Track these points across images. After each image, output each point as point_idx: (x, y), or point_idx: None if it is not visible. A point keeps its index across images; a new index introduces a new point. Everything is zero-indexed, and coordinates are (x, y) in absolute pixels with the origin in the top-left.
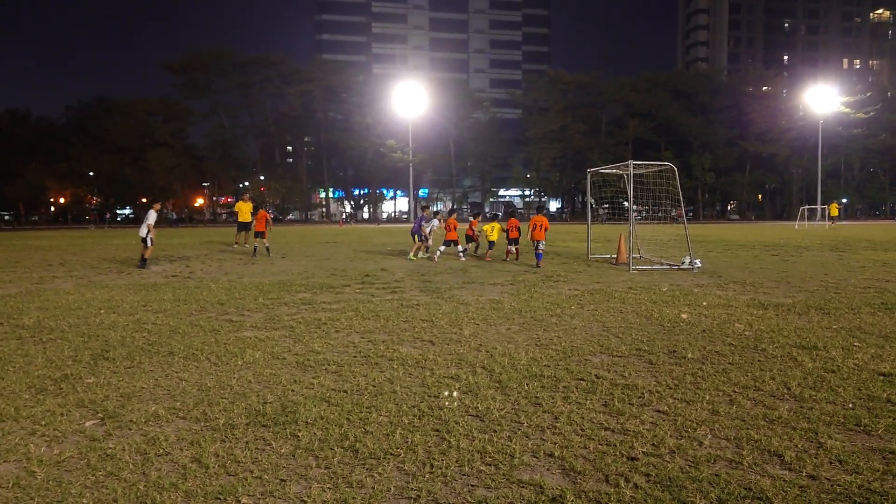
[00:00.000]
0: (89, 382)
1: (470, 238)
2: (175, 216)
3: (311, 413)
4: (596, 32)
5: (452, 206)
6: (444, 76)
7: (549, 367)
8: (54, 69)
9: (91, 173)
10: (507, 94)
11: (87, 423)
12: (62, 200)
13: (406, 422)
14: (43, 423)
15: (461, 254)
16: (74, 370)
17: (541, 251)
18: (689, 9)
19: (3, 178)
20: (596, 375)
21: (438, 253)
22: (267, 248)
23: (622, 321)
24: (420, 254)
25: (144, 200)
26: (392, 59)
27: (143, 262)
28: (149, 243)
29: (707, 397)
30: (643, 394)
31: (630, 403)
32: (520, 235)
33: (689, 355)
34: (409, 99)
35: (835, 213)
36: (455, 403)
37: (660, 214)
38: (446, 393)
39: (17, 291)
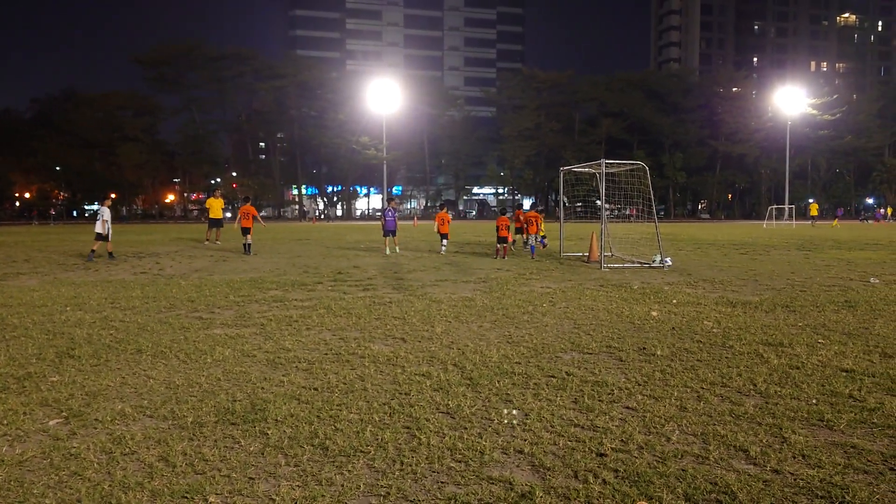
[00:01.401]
0: (53, 381)
1: (519, 230)
2: (125, 213)
3: (280, 411)
4: (570, 32)
5: (442, 201)
6: (418, 73)
7: (520, 364)
8: (19, 60)
9: (59, 168)
10: (482, 92)
11: (51, 422)
12: (27, 195)
13: (377, 419)
14: (5, 422)
15: (444, 248)
16: (38, 368)
17: (534, 244)
18: (661, 10)
19: None
20: (566, 372)
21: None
22: (247, 246)
23: (593, 318)
24: (396, 248)
25: (114, 196)
26: (366, 55)
27: (91, 255)
28: (108, 237)
29: (675, 394)
30: (613, 390)
31: (600, 400)
32: (529, 233)
33: (659, 352)
34: (384, 96)
35: (815, 212)
36: (514, 421)
37: (626, 213)
38: (505, 412)
39: None
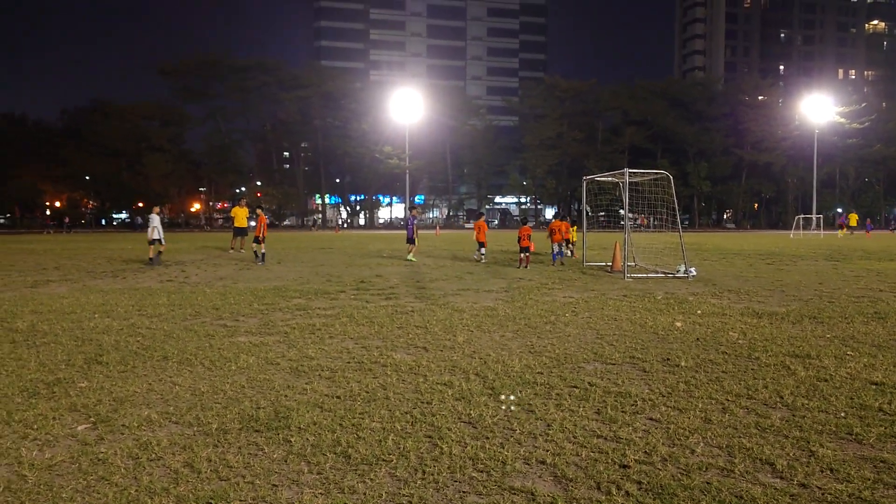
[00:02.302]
0: (82, 387)
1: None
2: (141, 220)
3: (303, 418)
4: (593, 41)
5: (480, 210)
6: (441, 83)
7: (542, 374)
8: (50, 73)
9: (87, 177)
10: (504, 101)
11: (80, 428)
12: (58, 204)
13: (399, 428)
14: (35, 426)
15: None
16: (67, 374)
17: (560, 251)
18: (685, 18)
19: (0, 182)
20: (589, 383)
21: (481, 255)
22: (257, 254)
23: (616, 329)
24: (409, 256)
25: (141, 205)
26: (390, 65)
27: (151, 261)
28: (161, 241)
29: (700, 405)
30: (636, 401)
31: (623, 411)
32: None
33: (683, 363)
34: (407, 106)
35: (854, 223)
36: (512, 408)
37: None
38: (503, 397)
39: (12, 295)
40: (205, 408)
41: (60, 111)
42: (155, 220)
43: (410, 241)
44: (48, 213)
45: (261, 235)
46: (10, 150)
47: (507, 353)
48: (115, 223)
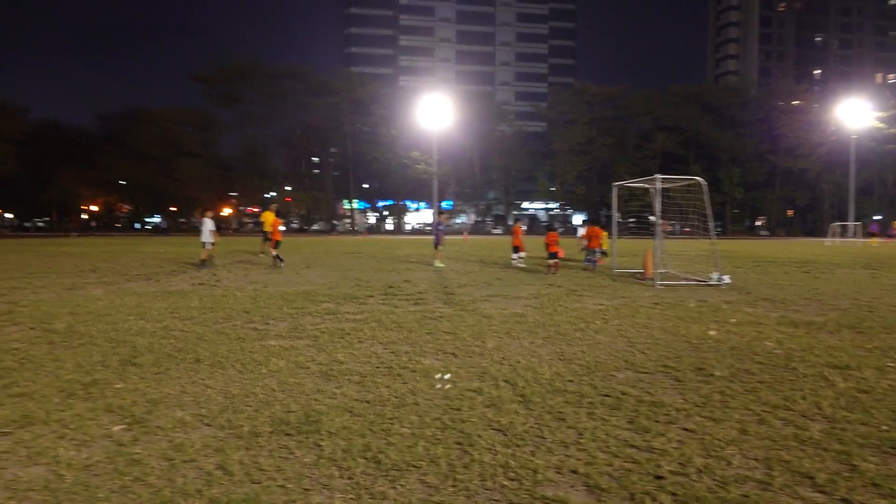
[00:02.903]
0: (117, 388)
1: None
2: (163, 223)
3: (334, 423)
4: (623, 45)
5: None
6: (469, 89)
7: (573, 381)
8: (86, 79)
9: (122, 182)
10: (533, 106)
11: (115, 428)
12: (94, 208)
13: (429, 434)
14: (72, 427)
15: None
16: (103, 375)
17: (596, 258)
18: (719, 22)
19: (38, 186)
20: (621, 392)
21: (520, 260)
22: (269, 255)
23: (648, 337)
24: (435, 262)
25: (174, 209)
26: (418, 71)
27: (203, 263)
28: (210, 245)
29: (736, 416)
30: (670, 411)
31: (656, 421)
32: (602, 247)
33: (717, 373)
34: (435, 111)
35: None
36: (447, 386)
37: (687, 229)
38: (438, 375)
39: (50, 297)
40: (236, 410)
41: (97, 117)
42: (208, 224)
43: (437, 246)
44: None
45: (275, 239)
46: (49, 155)
47: (536, 359)
48: (149, 227)
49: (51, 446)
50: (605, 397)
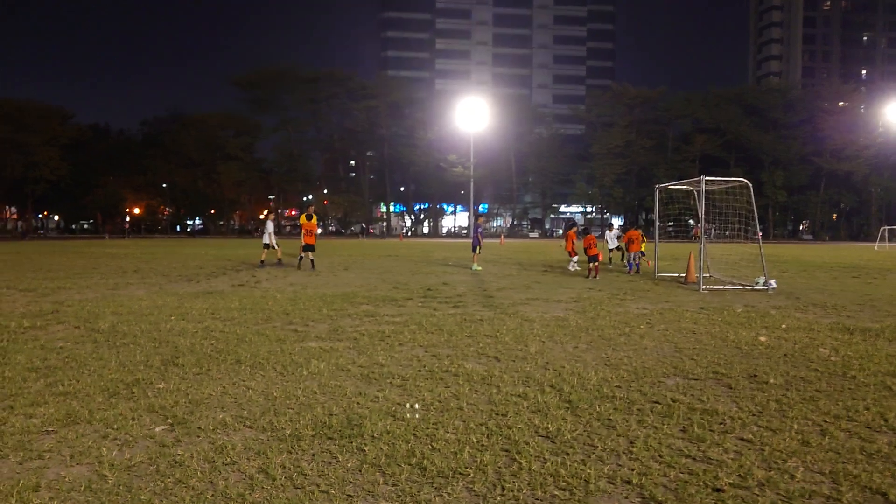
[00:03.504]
0: (160, 388)
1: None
2: (199, 225)
3: (376, 427)
4: (662, 47)
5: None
6: (506, 91)
7: (620, 388)
8: (132, 85)
9: (165, 185)
10: (570, 109)
11: (157, 429)
12: (137, 211)
13: (474, 440)
14: (115, 426)
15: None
16: (146, 375)
17: (637, 262)
18: (761, 23)
19: (84, 189)
20: (672, 398)
21: (575, 265)
22: (310, 261)
23: (695, 342)
24: (473, 265)
25: (213, 212)
26: (455, 74)
27: (262, 264)
28: (275, 246)
29: (795, 426)
30: (724, 420)
31: (711, 430)
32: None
33: (772, 380)
34: (471, 114)
35: None
36: (417, 416)
37: (726, 234)
38: (408, 405)
39: (95, 296)
40: (278, 413)
41: (141, 122)
42: (269, 226)
43: (475, 248)
44: (128, 219)
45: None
46: (96, 159)
47: (581, 365)
48: (188, 230)
49: (93, 446)
50: (656, 404)
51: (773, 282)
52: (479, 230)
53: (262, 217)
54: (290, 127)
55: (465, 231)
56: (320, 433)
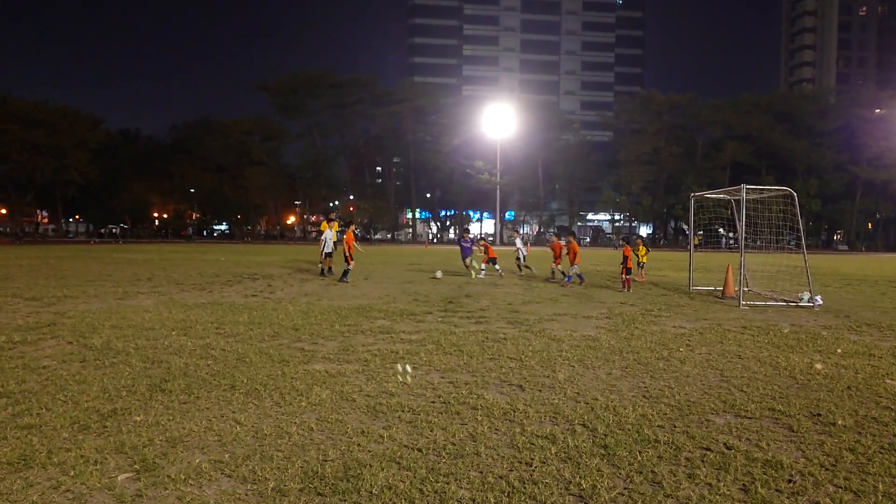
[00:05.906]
0: (137, 420)
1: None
2: (191, 231)
3: (377, 479)
4: (692, 53)
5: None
6: (533, 98)
7: (663, 427)
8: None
9: (192, 190)
10: (598, 116)
11: (120, 477)
12: (164, 215)
13: (492, 500)
14: (72, 472)
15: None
16: (126, 403)
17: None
18: (793, 28)
19: (113, 193)
20: (725, 444)
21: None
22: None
23: (743, 369)
24: (474, 273)
25: (239, 217)
26: (482, 80)
27: (323, 272)
28: (329, 256)
29: (881, 487)
30: (791, 475)
31: (777, 490)
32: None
33: (840, 421)
34: (498, 121)
35: None
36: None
37: (759, 244)
38: (399, 368)
39: (99, 307)
40: (264, 457)
41: (169, 128)
42: (328, 234)
43: (465, 258)
44: (156, 223)
45: (344, 252)
46: (124, 164)
47: (616, 396)
48: (214, 234)
49: (39, 500)
50: (706, 451)
51: (818, 298)
52: (466, 243)
53: (327, 225)
54: (315, 132)
55: (490, 238)
56: (309, 486)
